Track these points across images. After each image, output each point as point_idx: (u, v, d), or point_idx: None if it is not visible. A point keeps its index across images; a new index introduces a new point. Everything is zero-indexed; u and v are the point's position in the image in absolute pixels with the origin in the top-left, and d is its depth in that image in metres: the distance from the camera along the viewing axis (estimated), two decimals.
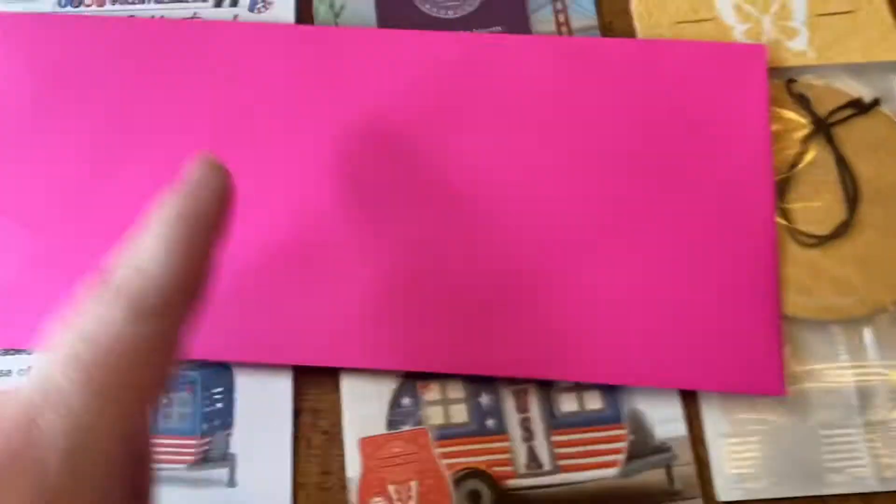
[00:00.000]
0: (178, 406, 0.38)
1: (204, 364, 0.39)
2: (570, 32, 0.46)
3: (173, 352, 0.27)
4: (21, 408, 0.23)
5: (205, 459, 0.37)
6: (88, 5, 0.46)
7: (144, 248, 0.27)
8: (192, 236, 0.28)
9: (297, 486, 0.37)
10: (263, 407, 0.38)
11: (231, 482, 0.37)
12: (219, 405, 0.38)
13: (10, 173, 0.42)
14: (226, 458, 0.37)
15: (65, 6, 0.46)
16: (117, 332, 0.25)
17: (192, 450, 0.38)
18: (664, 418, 0.39)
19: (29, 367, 0.39)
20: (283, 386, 0.39)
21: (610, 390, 0.39)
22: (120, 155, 0.42)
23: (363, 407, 0.39)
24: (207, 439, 0.38)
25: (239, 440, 0.38)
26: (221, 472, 0.37)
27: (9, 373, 0.39)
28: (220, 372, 0.39)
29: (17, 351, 0.39)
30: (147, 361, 0.25)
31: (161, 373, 0.26)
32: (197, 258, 0.28)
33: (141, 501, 0.26)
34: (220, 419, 0.38)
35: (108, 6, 0.46)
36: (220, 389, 0.39)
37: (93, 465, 0.23)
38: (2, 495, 0.22)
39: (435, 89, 0.43)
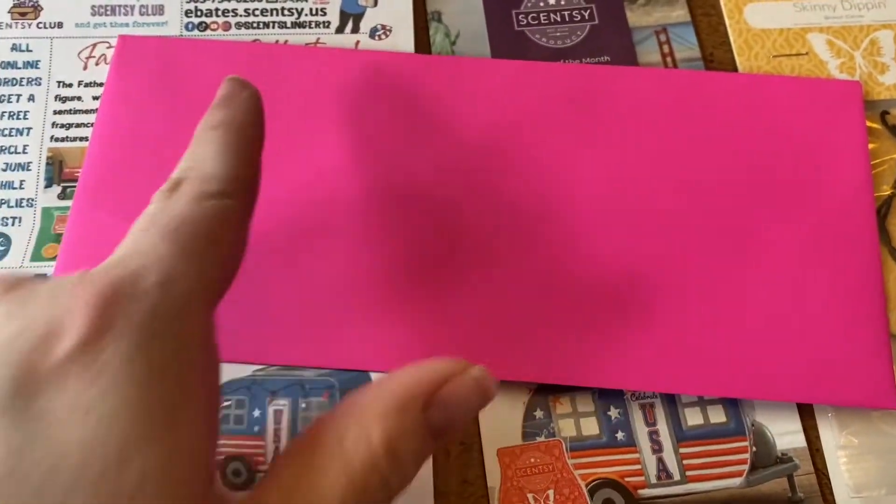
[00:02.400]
0: (316, 410, 0.40)
1: (342, 370, 0.40)
2: (674, 63, 0.48)
3: (240, 234, 0.30)
4: (122, 270, 0.25)
5: None
6: (214, 30, 0.48)
7: (195, 153, 0.31)
8: (233, 139, 0.31)
9: (437, 495, 0.39)
10: None
11: None
12: None
13: (145, 188, 0.43)
14: None
15: (192, 30, 0.48)
16: (188, 211, 0.28)
17: None
18: (784, 431, 0.41)
19: None
20: None
21: (732, 404, 0.41)
22: None
23: (498, 418, 0.40)
24: None
25: None
26: None
27: None
28: (357, 378, 0.40)
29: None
30: (219, 237, 0.28)
31: (232, 252, 0.30)
32: (242, 156, 0.31)
33: (211, 410, 0.27)
34: None
35: (232, 30, 0.48)
36: None
37: (189, 330, 0.26)
38: (115, 321, 0.24)
39: (543, 119, 0.45)
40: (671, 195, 0.44)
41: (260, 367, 0.40)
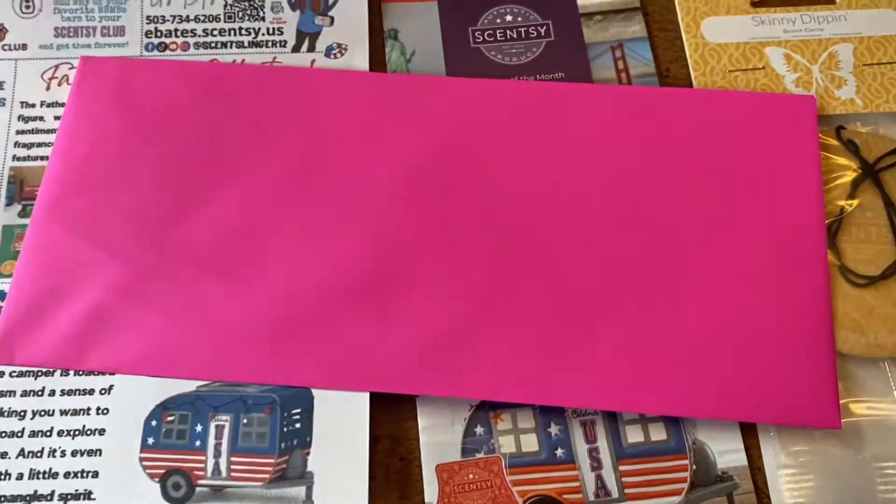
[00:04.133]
0: (257, 426, 0.40)
1: (284, 386, 0.41)
2: (629, 79, 0.48)
3: None
4: None
5: (282, 477, 0.39)
6: (173, 50, 0.49)
7: None
8: None
9: None
10: (341, 429, 0.40)
11: (308, 500, 0.39)
12: (297, 425, 0.40)
13: (100, 204, 0.44)
14: (303, 477, 0.39)
15: (151, 51, 0.49)
16: None
17: (270, 468, 0.40)
18: (725, 449, 0.41)
19: (111, 386, 0.41)
20: (360, 410, 0.40)
21: (674, 422, 0.41)
22: (204, 192, 0.45)
23: (439, 434, 0.41)
24: (285, 457, 0.40)
25: (317, 459, 0.40)
26: (300, 490, 0.39)
27: (91, 391, 0.41)
28: (300, 394, 0.41)
29: (100, 372, 0.41)
30: None
31: None
32: None
33: None
34: (298, 438, 0.40)
35: (191, 50, 0.49)
36: (298, 410, 0.41)
37: None
38: None
39: (496, 136, 0.46)
40: (620, 212, 0.44)
41: (204, 382, 0.41)
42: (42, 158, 0.46)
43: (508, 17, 0.50)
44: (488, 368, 0.41)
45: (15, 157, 0.46)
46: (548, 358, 0.41)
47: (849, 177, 0.46)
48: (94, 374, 0.41)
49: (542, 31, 0.50)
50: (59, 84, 0.48)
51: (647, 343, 0.41)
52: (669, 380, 0.41)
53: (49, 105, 0.47)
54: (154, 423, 0.40)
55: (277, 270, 0.43)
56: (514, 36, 0.50)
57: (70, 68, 0.48)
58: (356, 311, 0.42)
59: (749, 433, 0.41)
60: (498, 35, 0.50)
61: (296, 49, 0.49)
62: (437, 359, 0.41)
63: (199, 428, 0.40)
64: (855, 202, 0.45)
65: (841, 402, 0.41)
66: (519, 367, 0.41)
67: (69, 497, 0.38)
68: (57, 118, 0.47)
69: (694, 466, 0.40)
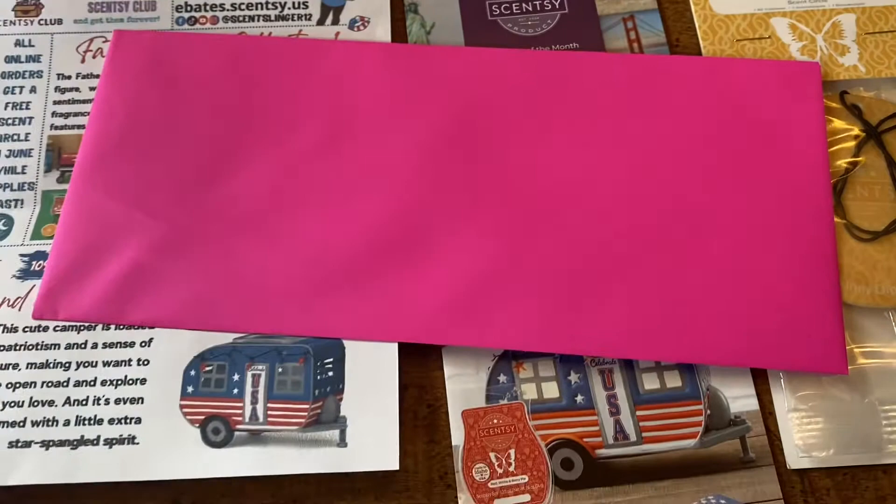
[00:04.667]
0: (292, 374, 0.42)
1: (317, 338, 0.43)
2: (640, 49, 0.50)
3: None
4: None
5: (317, 422, 0.41)
6: (203, 24, 0.51)
7: None
8: None
9: (404, 454, 0.41)
10: (372, 377, 0.42)
11: (342, 442, 0.41)
12: (330, 373, 0.42)
13: (141, 172, 0.46)
14: (337, 421, 0.41)
15: (182, 24, 0.51)
16: None
17: (305, 413, 0.41)
18: (738, 395, 0.43)
19: (150, 339, 0.43)
20: (389, 360, 0.42)
21: (688, 369, 0.43)
22: (236, 156, 0.47)
23: (464, 382, 0.43)
24: (319, 403, 0.41)
25: (349, 405, 0.41)
26: (333, 433, 0.41)
27: (132, 344, 0.43)
28: (332, 344, 0.43)
29: (140, 326, 0.43)
30: None
31: None
32: None
33: None
34: (331, 386, 0.42)
35: (220, 24, 0.51)
36: (330, 360, 0.42)
37: None
38: None
39: (513, 103, 0.48)
40: (633, 173, 0.46)
41: (240, 335, 0.43)
42: (79, 127, 0.48)
43: None
44: (511, 320, 0.43)
45: (53, 126, 0.48)
46: (567, 310, 0.43)
47: (853, 139, 0.48)
48: (134, 328, 0.43)
49: (557, 4, 0.52)
50: (94, 57, 0.50)
51: (662, 296, 0.43)
52: (683, 329, 0.43)
53: (84, 77, 0.49)
54: (193, 372, 0.42)
55: (308, 229, 0.45)
56: (530, 9, 0.52)
57: (104, 41, 0.50)
58: (383, 267, 0.44)
59: (760, 379, 0.43)
60: (514, 8, 0.52)
61: (321, 22, 0.51)
62: (461, 311, 0.43)
63: (236, 377, 0.42)
64: (860, 162, 0.47)
65: (847, 349, 0.43)
66: (540, 319, 0.43)
67: (114, 441, 0.40)
68: (92, 89, 0.49)
69: (708, 411, 0.42)
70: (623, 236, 0.45)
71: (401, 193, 0.46)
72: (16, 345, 0.42)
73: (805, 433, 0.42)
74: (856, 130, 0.48)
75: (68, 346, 0.43)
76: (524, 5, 0.52)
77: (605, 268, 0.44)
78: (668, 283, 0.44)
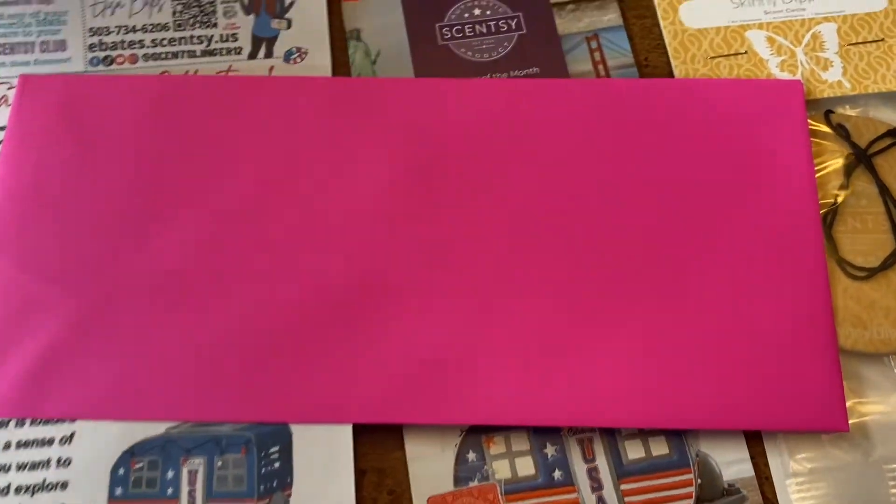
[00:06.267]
0: (233, 468, 0.38)
1: (259, 423, 0.38)
2: (606, 71, 0.46)
3: None
4: None
5: None
6: (121, 63, 0.46)
7: None
8: None
9: None
10: (324, 464, 0.38)
11: None
12: (276, 464, 0.38)
13: (48, 235, 0.41)
14: None
15: (97, 65, 0.45)
16: None
17: None
18: (730, 460, 0.39)
19: (72, 433, 0.38)
20: (343, 443, 0.38)
21: (675, 434, 0.39)
22: (161, 215, 0.42)
23: (428, 464, 0.38)
24: (265, 500, 0.37)
25: (299, 499, 0.37)
26: None
27: (51, 441, 0.38)
28: (276, 430, 0.38)
29: (59, 419, 0.38)
30: None
31: None
32: None
33: None
34: (278, 479, 0.38)
35: (140, 63, 0.45)
36: (276, 448, 0.38)
37: None
38: None
39: (476, 140, 0.43)
40: (608, 216, 0.42)
41: (174, 423, 0.38)
42: None
43: (476, 11, 0.48)
44: (476, 391, 0.39)
45: None
46: (538, 375, 0.39)
47: (840, 163, 0.44)
48: (53, 422, 0.38)
49: (513, 25, 0.47)
50: None
51: (643, 354, 0.39)
52: (668, 391, 0.39)
53: None
54: (122, 471, 0.37)
55: (244, 296, 0.40)
56: (484, 31, 0.47)
57: (9, 88, 0.45)
58: (332, 337, 0.39)
59: (754, 442, 0.39)
60: (467, 30, 0.47)
61: (252, 56, 0.46)
62: (421, 384, 0.39)
63: (170, 474, 0.37)
64: (850, 189, 0.43)
65: (847, 403, 0.39)
66: (509, 387, 0.39)
67: None
68: None
69: (699, 480, 0.38)
70: (599, 292, 0.40)
71: (346, 250, 0.41)
72: None
73: (806, 499, 0.38)
74: (843, 154, 0.44)
75: None
76: (478, 27, 0.47)
77: (579, 327, 0.40)
78: (648, 340, 0.40)
